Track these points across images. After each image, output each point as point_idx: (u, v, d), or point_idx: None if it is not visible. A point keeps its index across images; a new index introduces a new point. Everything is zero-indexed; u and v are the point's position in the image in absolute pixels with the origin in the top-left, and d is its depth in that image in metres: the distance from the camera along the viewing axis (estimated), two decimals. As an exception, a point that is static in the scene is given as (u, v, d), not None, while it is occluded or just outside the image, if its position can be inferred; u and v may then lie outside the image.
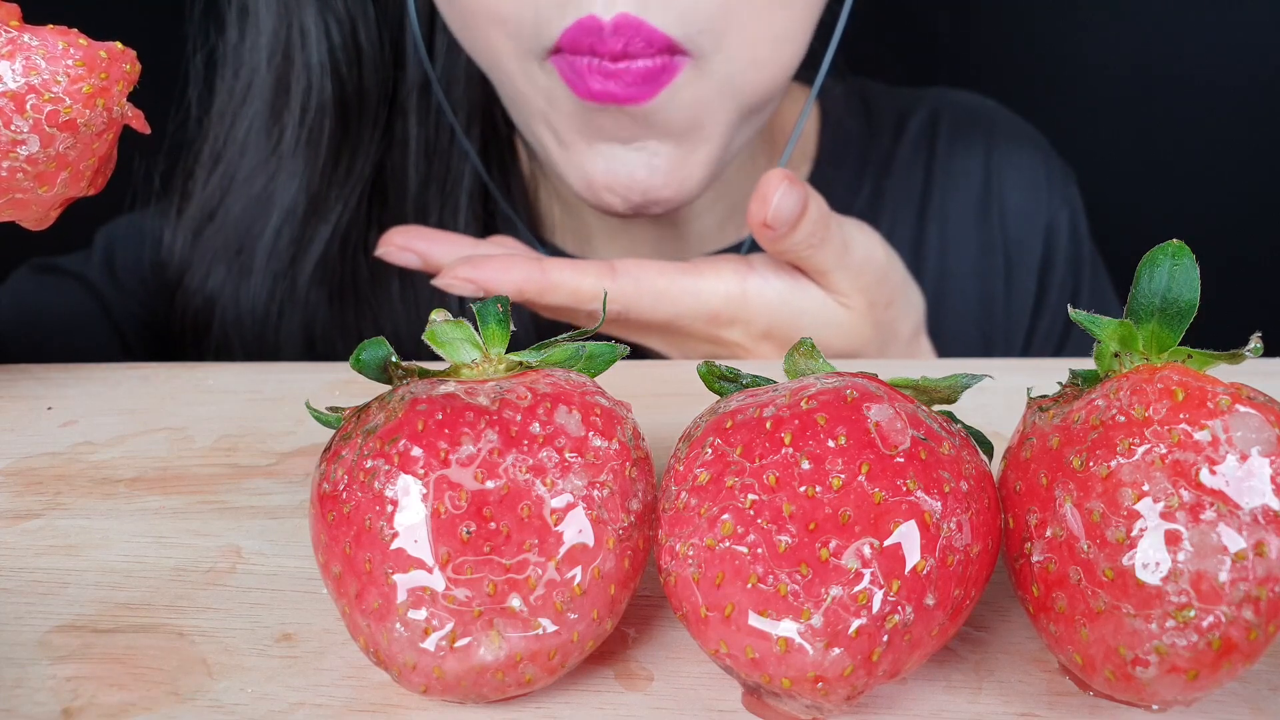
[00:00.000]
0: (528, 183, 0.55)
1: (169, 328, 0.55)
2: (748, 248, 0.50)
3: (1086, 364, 0.23)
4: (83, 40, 0.28)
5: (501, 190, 0.53)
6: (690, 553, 0.20)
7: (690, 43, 0.40)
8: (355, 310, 0.53)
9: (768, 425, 0.21)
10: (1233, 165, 0.78)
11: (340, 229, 0.52)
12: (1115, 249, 0.60)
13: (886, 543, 0.19)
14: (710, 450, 0.21)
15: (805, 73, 0.49)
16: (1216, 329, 0.26)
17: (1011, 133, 0.60)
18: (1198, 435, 0.19)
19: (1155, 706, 0.20)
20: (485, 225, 0.53)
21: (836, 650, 0.19)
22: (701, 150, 0.43)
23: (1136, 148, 0.79)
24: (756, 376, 0.24)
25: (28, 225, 0.31)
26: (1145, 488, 0.19)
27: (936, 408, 0.23)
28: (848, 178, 0.58)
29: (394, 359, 0.23)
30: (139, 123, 0.30)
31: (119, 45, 0.29)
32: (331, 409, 0.23)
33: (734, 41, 0.41)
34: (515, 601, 0.20)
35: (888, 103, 0.61)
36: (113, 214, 0.58)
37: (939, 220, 0.58)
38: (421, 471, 0.20)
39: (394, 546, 0.20)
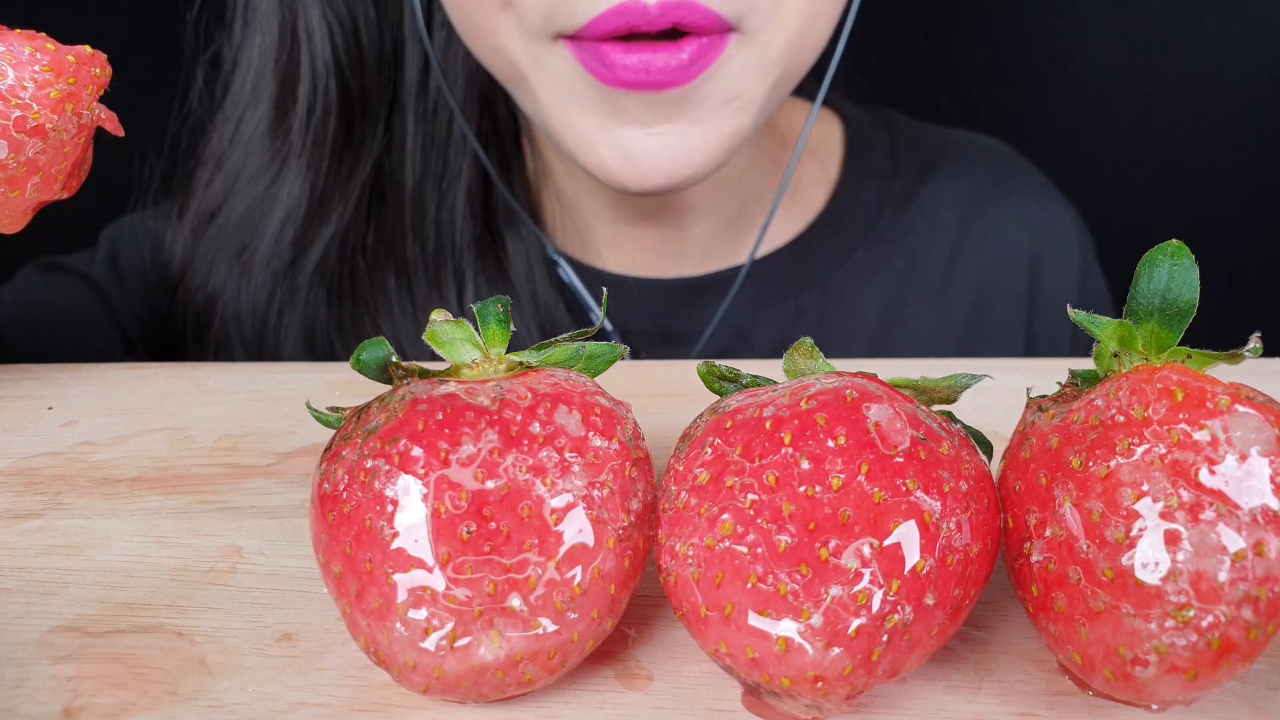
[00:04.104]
0: (531, 181, 0.55)
1: (171, 325, 0.55)
2: (747, 268, 0.50)
3: (1086, 364, 0.23)
4: (50, 45, 0.28)
5: (506, 187, 0.52)
6: (690, 552, 0.20)
7: (740, 20, 0.40)
8: (353, 309, 0.53)
9: (768, 425, 0.21)
10: (1230, 169, 0.78)
11: (341, 229, 0.52)
12: (1113, 264, 0.60)
13: (886, 542, 0.19)
14: (710, 450, 0.21)
15: (812, 85, 0.49)
16: (1216, 329, 0.26)
17: (1043, 187, 0.60)
18: (1197, 435, 0.19)
19: (1155, 706, 0.20)
20: (484, 223, 0.53)
21: (836, 650, 0.19)
22: (732, 122, 0.43)
23: (1131, 156, 0.79)
24: (756, 377, 0.24)
25: (0, 229, 0.30)
26: (1144, 488, 0.19)
27: (936, 408, 0.23)
28: (869, 203, 0.57)
29: (394, 359, 0.23)
30: (112, 125, 0.30)
31: (88, 49, 0.28)
32: (332, 409, 0.23)
33: (781, 18, 0.41)
34: (515, 601, 0.20)
35: (914, 136, 0.60)
36: (117, 214, 0.58)
37: (971, 268, 0.57)
38: (422, 471, 0.20)
39: (394, 546, 0.20)
